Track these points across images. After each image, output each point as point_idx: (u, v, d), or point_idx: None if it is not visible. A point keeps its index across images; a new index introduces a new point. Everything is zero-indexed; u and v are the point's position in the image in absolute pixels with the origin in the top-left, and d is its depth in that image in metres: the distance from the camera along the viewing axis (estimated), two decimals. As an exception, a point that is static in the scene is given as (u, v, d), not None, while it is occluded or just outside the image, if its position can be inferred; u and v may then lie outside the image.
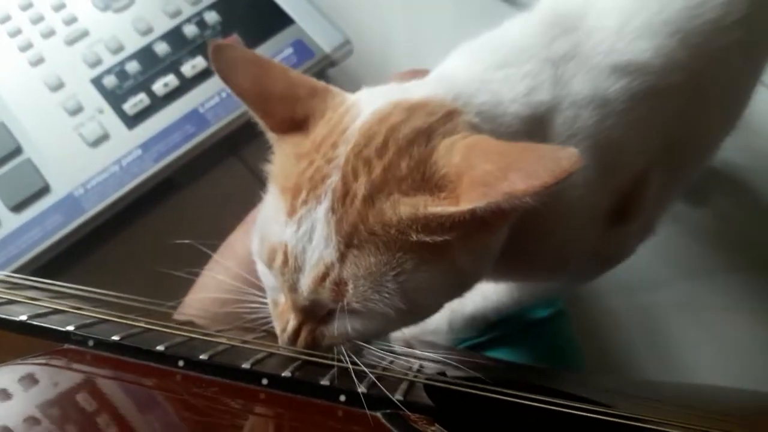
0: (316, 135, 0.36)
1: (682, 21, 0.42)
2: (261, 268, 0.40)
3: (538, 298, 0.59)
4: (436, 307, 0.38)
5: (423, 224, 0.33)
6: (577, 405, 0.33)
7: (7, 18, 0.83)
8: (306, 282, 0.34)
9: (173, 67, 0.82)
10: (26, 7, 0.84)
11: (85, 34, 0.83)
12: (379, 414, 0.30)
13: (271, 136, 0.38)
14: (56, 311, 0.33)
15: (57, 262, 0.76)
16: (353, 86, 0.93)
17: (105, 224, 0.78)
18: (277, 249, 0.35)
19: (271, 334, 0.38)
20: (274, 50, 0.83)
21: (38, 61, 0.81)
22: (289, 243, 0.34)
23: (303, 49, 0.83)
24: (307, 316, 0.36)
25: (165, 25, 0.84)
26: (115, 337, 0.31)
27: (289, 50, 0.83)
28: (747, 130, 0.88)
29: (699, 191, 0.85)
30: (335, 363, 0.34)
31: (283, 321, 0.37)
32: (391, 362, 0.37)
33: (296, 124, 0.37)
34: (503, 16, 0.47)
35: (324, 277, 0.34)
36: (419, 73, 0.46)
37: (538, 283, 0.54)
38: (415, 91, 0.38)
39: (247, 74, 0.36)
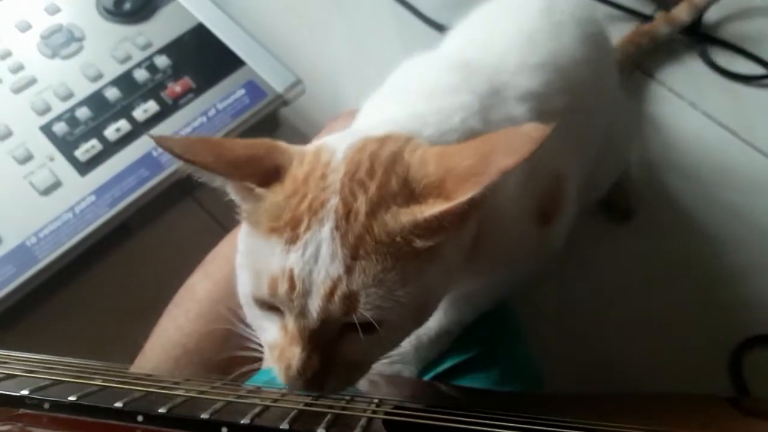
0: (295, 177, 0.40)
1: (558, 58, 0.57)
2: (252, 313, 0.42)
3: (492, 301, 0.61)
4: (435, 306, 0.43)
5: (425, 228, 0.37)
6: (532, 427, 0.35)
7: (-49, 68, 0.82)
8: (316, 300, 0.37)
9: (125, 112, 0.82)
10: (-30, 57, 0.83)
11: (32, 81, 0.83)
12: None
13: (238, 195, 0.41)
14: (9, 376, 0.32)
15: (10, 313, 0.74)
16: (307, 124, 0.95)
17: (60, 272, 0.76)
18: (279, 277, 0.37)
19: (231, 382, 0.39)
20: (227, 92, 0.84)
21: (-16, 111, 0.80)
22: (295, 267, 0.37)
23: (255, 90, 0.84)
24: (316, 344, 0.38)
25: (115, 70, 0.84)
26: (72, 398, 0.31)
27: (242, 91, 0.84)
28: (676, 150, 0.93)
29: (629, 209, 0.90)
30: (295, 407, 0.34)
31: (286, 358, 0.38)
32: (351, 399, 0.38)
33: (269, 178, 0.40)
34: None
35: (333, 291, 0.37)
36: (351, 115, 0.53)
37: (489, 285, 0.58)
38: (372, 131, 0.43)
39: (205, 151, 0.39)
